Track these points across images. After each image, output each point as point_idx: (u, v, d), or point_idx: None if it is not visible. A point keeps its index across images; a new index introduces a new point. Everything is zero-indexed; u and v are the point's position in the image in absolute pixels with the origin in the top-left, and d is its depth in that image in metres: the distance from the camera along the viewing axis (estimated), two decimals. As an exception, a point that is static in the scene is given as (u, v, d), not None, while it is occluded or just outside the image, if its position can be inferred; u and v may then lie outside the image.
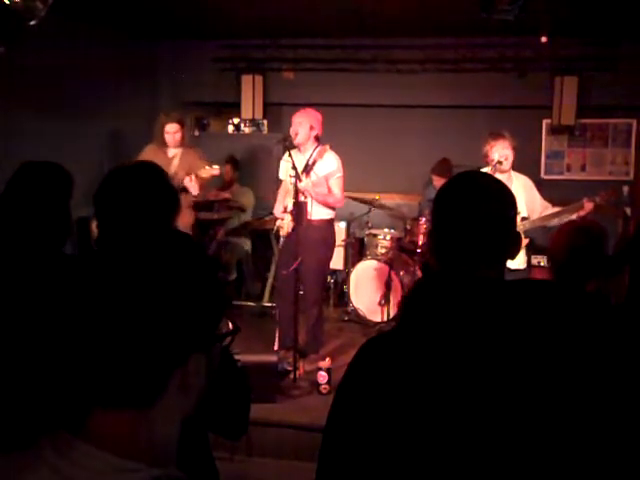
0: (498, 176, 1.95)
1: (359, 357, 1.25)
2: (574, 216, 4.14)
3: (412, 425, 1.10)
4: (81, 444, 0.79)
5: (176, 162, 5.03)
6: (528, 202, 4.17)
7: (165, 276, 0.84)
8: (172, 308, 0.83)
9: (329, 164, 4.52)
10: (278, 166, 4.89)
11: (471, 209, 1.22)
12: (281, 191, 4.87)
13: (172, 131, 4.97)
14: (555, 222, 4.22)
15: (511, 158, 4.14)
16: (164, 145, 5.01)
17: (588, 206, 4.08)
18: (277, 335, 4.80)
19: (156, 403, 0.83)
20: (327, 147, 4.51)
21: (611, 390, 1.16)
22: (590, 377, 1.15)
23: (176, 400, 0.85)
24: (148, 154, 4.95)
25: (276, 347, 4.75)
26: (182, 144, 5.07)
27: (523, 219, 4.18)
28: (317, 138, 4.58)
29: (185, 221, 4.92)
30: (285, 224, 4.64)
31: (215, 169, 4.96)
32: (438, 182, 6.37)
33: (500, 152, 4.11)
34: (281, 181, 4.89)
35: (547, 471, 1.07)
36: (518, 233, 1.28)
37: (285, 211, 4.64)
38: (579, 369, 1.15)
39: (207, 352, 0.89)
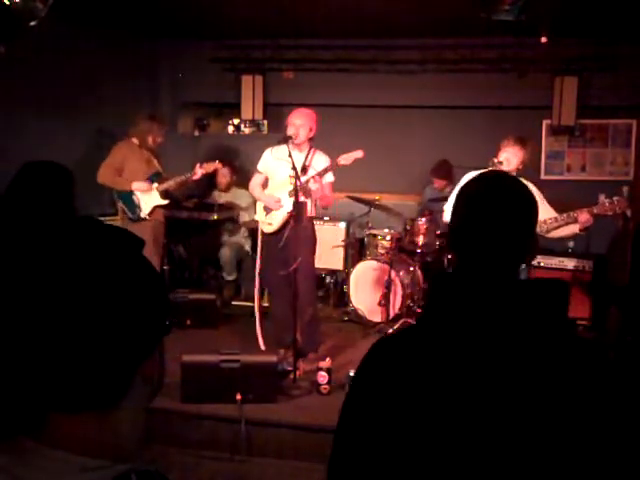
0: None
1: (372, 355, 1.24)
2: (577, 229, 4.05)
3: (425, 424, 1.11)
4: (39, 447, 0.75)
5: (155, 162, 5.28)
6: None
7: (113, 271, 0.79)
8: (121, 306, 0.78)
9: (324, 163, 4.60)
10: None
11: (497, 209, 1.23)
12: (258, 182, 4.78)
13: (163, 133, 5.21)
14: (555, 234, 4.13)
15: (513, 163, 4.08)
16: (143, 145, 5.18)
17: (583, 218, 3.95)
18: (260, 334, 4.78)
19: (120, 402, 0.80)
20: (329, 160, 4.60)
21: (619, 392, 1.16)
22: (602, 377, 1.15)
23: (139, 393, 0.83)
24: (129, 152, 5.13)
25: (262, 347, 4.72)
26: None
27: None
28: (311, 139, 4.63)
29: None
30: (275, 220, 4.60)
31: (217, 164, 5.36)
32: (438, 184, 6.37)
33: (508, 157, 4.09)
34: (257, 172, 4.79)
35: (556, 471, 1.07)
36: (536, 237, 1.29)
37: (279, 202, 4.59)
38: (591, 370, 1.15)
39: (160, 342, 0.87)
